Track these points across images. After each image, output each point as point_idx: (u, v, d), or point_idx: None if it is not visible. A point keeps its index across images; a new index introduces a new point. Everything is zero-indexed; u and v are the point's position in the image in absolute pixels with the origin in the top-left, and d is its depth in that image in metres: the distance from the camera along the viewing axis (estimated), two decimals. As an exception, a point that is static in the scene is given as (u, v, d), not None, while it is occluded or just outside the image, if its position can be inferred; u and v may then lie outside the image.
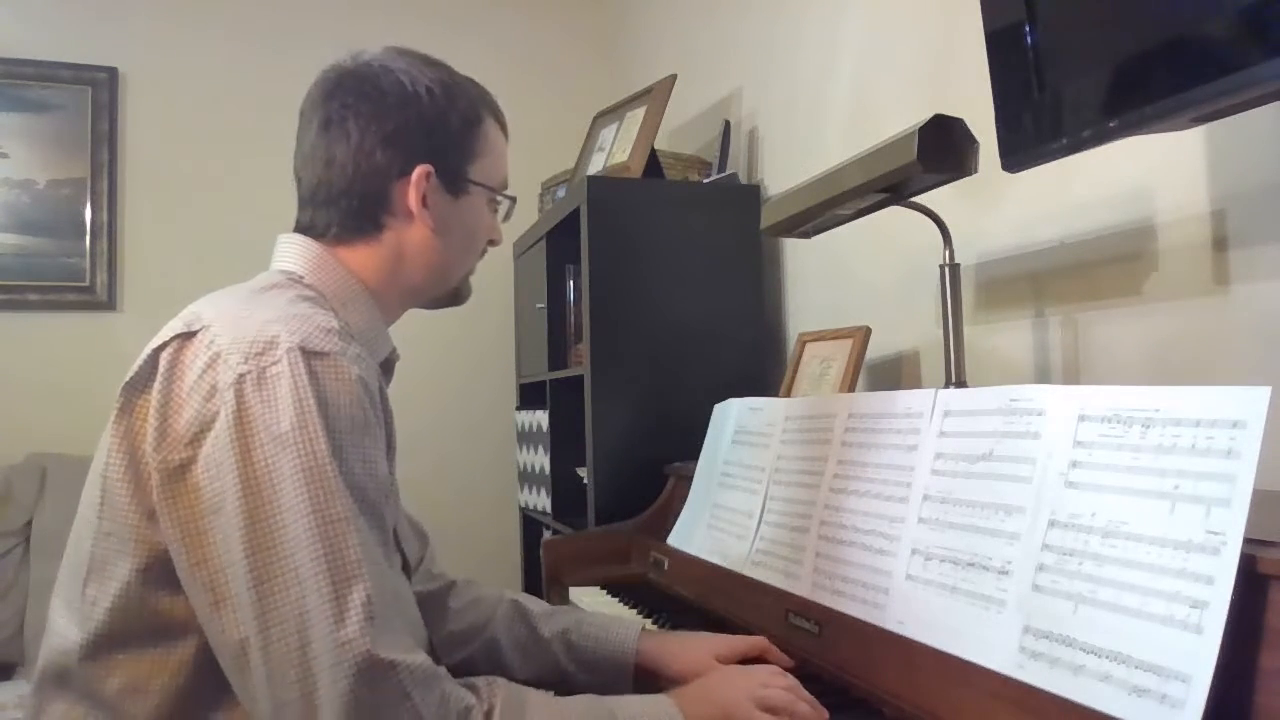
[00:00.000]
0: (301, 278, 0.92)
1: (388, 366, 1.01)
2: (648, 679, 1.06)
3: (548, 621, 1.12)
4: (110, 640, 0.78)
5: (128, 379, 0.81)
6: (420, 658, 0.76)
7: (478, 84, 1.02)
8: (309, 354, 0.78)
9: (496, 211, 1.05)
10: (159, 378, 0.79)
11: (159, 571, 0.78)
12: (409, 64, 0.96)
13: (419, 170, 0.94)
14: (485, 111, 1.00)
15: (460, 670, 1.09)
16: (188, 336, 0.81)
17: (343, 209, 0.94)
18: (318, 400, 0.76)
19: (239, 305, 0.84)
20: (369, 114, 0.93)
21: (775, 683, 0.90)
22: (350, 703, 0.71)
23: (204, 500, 0.75)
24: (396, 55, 0.96)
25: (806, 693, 0.90)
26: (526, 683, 1.10)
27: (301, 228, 0.97)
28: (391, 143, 0.93)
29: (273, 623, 0.72)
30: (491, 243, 1.06)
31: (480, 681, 0.82)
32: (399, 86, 0.94)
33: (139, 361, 0.82)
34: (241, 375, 0.76)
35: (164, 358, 0.80)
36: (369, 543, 0.76)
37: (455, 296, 1.06)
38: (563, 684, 1.10)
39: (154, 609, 0.78)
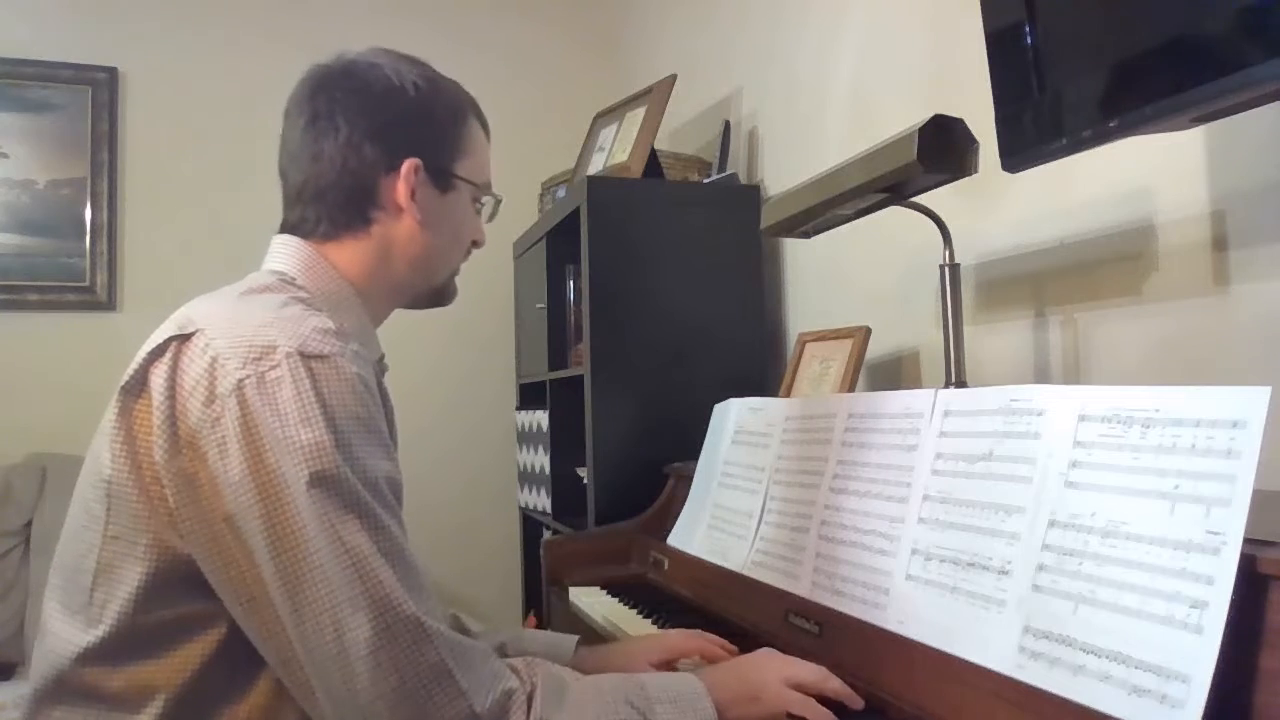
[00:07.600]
0: (294, 279, 0.92)
1: (378, 370, 1.01)
2: None
3: (486, 637, 1.13)
4: (120, 642, 0.79)
5: (124, 382, 0.81)
6: (456, 634, 0.77)
7: (460, 85, 1.03)
8: (307, 357, 0.78)
9: (480, 212, 1.06)
10: (160, 384, 0.79)
11: (169, 574, 0.79)
12: (393, 60, 0.97)
13: (408, 164, 0.94)
14: (469, 111, 1.02)
15: None
16: (183, 340, 0.80)
17: (330, 203, 0.94)
18: (320, 403, 0.77)
19: (232, 308, 0.84)
20: (356, 108, 0.93)
21: (805, 663, 0.92)
22: (389, 668, 0.72)
23: (222, 505, 0.76)
24: (381, 53, 0.98)
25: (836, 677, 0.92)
26: None
27: (289, 226, 0.97)
28: (379, 136, 0.94)
29: (307, 617, 0.73)
30: (475, 244, 1.06)
31: (519, 662, 0.83)
32: (385, 81, 0.95)
33: (133, 365, 0.81)
34: (241, 381, 0.76)
35: (162, 363, 0.80)
36: (389, 532, 0.77)
37: (440, 295, 1.06)
38: None
39: (164, 610, 0.79)
